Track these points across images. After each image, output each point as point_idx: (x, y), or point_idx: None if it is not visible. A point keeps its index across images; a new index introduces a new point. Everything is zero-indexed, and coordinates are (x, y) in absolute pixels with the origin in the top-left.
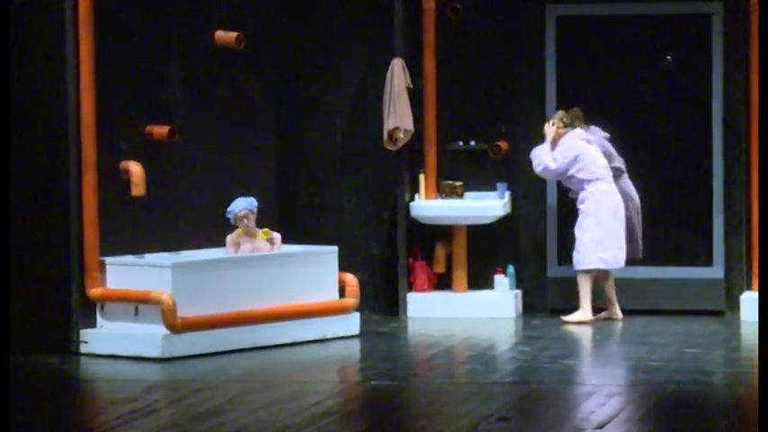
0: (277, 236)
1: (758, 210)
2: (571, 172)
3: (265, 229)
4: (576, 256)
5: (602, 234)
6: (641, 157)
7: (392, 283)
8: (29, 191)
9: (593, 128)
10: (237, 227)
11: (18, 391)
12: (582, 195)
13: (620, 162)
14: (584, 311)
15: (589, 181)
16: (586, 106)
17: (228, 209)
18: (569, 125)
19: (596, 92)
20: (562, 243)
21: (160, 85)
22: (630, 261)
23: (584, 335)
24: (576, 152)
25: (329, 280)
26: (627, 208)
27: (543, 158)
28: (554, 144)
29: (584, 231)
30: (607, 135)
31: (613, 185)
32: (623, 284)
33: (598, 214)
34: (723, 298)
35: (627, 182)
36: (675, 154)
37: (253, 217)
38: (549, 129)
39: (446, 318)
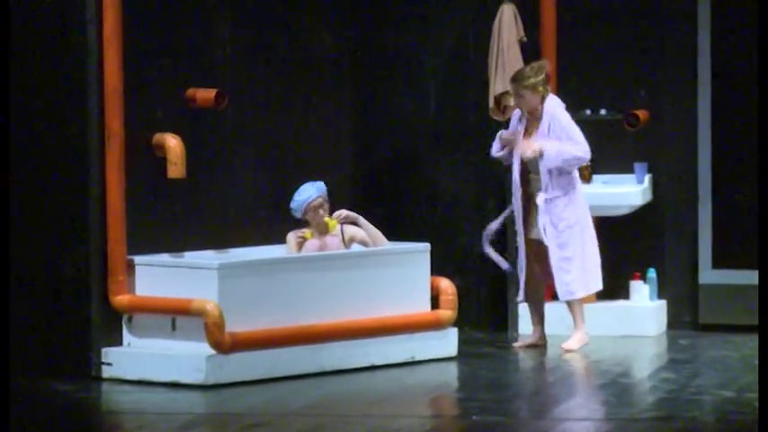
0: (355, 229)
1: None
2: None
3: (327, 218)
4: (581, 277)
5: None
6: None
7: (499, 290)
8: (37, 172)
9: None
10: (307, 221)
11: (23, 427)
12: (569, 195)
13: None
14: (584, 332)
15: (574, 175)
16: (750, 68)
17: (296, 198)
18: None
19: None
20: (718, 240)
21: (204, 38)
22: None
23: (742, 358)
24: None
25: (419, 286)
26: None
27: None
28: (533, 116)
29: (587, 245)
30: None
31: None
32: None
33: (590, 218)
34: None
35: None
36: None
37: (327, 207)
38: (532, 97)
39: (568, 335)
